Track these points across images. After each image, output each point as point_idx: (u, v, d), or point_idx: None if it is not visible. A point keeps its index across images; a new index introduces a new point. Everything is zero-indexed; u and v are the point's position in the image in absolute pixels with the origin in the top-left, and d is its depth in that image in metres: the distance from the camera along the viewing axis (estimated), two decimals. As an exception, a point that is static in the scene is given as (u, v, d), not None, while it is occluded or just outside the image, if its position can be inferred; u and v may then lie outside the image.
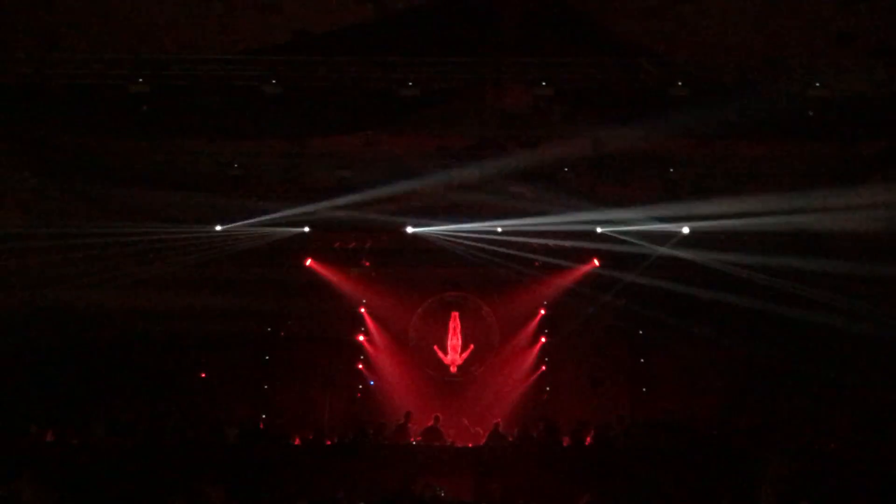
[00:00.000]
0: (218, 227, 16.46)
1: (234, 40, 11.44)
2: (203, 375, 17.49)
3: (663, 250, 16.32)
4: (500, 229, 16.57)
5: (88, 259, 16.32)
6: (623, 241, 16.63)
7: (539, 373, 18.24)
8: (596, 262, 17.94)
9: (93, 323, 16.77)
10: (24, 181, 15.02)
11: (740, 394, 16.45)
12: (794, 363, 16.59)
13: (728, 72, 11.44)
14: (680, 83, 11.51)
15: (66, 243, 15.79)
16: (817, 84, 11.34)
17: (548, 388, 17.98)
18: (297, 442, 14.77)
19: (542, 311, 18.53)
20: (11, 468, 10.32)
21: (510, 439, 15.54)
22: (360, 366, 18.43)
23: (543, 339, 18.42)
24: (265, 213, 16.03)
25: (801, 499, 8.45)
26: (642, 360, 17.94)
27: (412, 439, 15.52)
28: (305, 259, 18.18)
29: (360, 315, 18.65)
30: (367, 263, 18.30)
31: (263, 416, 16.97)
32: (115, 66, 11.47)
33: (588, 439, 14.36)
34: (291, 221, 16.45)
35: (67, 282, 16.30)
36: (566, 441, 14.40)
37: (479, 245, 17.71)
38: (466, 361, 18.40)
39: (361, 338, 18.61)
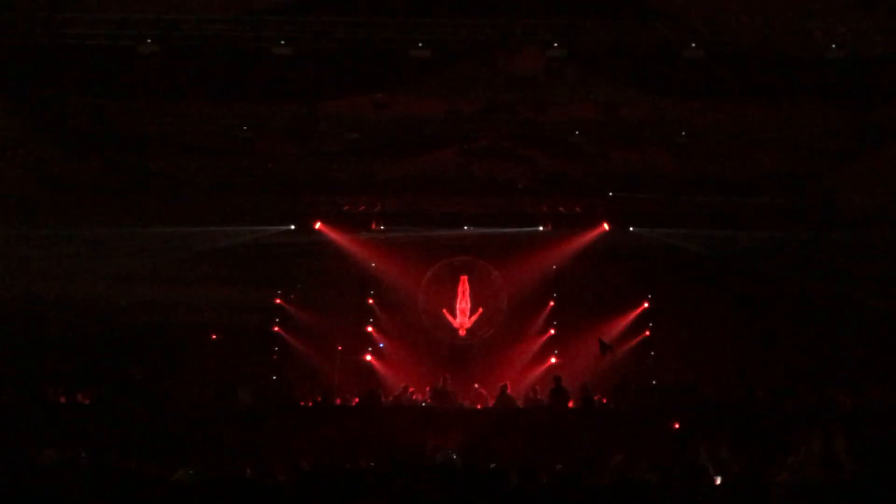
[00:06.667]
0: None
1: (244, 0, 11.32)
2: (214, 337, 17.54)
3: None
4: None
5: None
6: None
7: (547, 336, 18.26)
8: (605, 226, 17.88)
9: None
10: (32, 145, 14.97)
11: (749, 360, 16.43)
12: (803, 329, 16.62)
13: (746, 34, 11.24)
14: (694, 45, 11.35)
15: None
16: (834, 46, 11.16)
17: (556, 352, 18.01)
18: (309, 404, 14.88)
19: (551, 276, 18.47)
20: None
21: (518, 402, 15.66)
22: (370, 328, 18.47)
23: (552, 304, 18.39)
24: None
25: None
26: (651, 325, 17.93)
27: (421, 401, 15.62)
28: (314, 222, 18.15)
29: (370, 278, 18.62)
30: (376, 227, 18.27)
31: (274, 378, 17.08)
32: (125, 27, 11.34)
33: (597, 401, 14.46)
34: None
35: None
36: (571, 403, 14.50)
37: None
38: (475, 325, 18.42)
39: (371, 301, 18.61)
